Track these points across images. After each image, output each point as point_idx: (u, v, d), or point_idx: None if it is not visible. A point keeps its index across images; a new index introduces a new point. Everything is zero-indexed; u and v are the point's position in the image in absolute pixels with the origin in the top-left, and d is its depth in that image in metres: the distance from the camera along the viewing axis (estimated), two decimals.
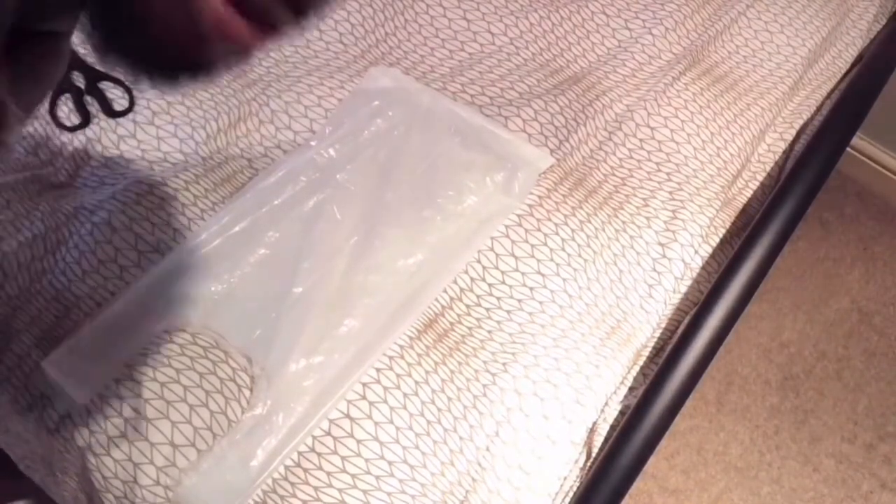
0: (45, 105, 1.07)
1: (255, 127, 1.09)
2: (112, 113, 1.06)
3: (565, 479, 0.91)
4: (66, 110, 1.08)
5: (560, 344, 0.96)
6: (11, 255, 0.95)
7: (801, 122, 1.21)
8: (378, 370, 0.91)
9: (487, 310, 0.98)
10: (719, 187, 1.12)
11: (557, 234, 1.03)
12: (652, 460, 0.85)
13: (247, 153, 1.07)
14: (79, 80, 1.10)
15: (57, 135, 1.06)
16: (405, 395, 0.90)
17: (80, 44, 1.20)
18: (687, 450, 1.60)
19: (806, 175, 1.03)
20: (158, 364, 0.89)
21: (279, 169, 1.04)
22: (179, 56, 0.46)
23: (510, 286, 1.00)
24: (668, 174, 1.12)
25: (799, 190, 1.02)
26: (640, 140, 1.14)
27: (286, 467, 0.86)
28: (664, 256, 1.04)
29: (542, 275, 1.00)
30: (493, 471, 0.89)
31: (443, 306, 0.98)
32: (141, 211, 0.98)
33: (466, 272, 1.00)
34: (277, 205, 1.02)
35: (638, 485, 0.86)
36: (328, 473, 0.86)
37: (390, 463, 0.87)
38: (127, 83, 1.09)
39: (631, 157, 1.13)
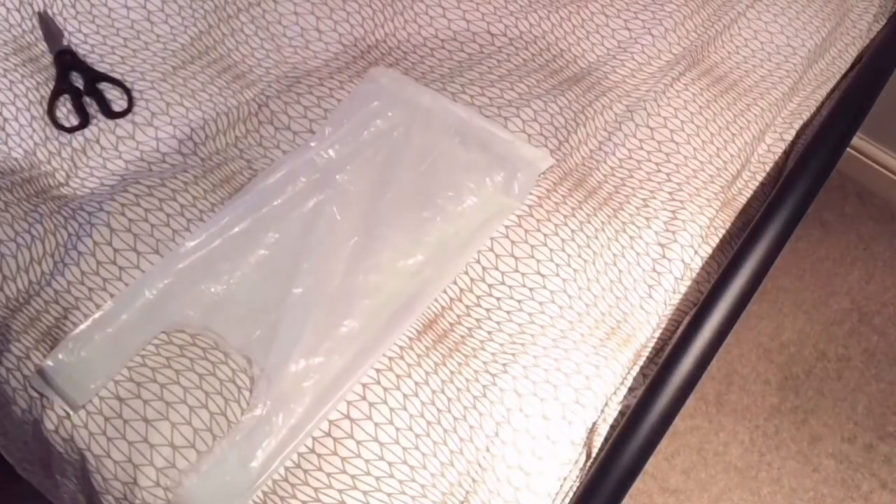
0: (45, 106, 1.07)
1: (254, 127, 1.09)
2: (111, 114, 1.06)
3: (565, 479, 0.91)
4: (65, 111, 1.09)
5: (560, 344, 0.96)
6: (10, 257, 0.94)
7: (801, 122, 1.21)
8: (378, 371, 0.91)
9: (487, 310, 0.98)
10: (719, 187, 1.11)
11: (557, 234, 1.03)
12: (652, 460, 0.85)
13: (246, 154, 1.07)
14: (77, 81, 1.10)
15: (55, 136, 1.05)
16: (405, 395, 0.90)
17: (79, 43, 1.21)
18: (687, 450, 1.60)
19: (806, 175, 1.03)
20: (158, 365, 0.89)
21: (279, 170, 1.04)
22: None
23: (510, 287, 0.99)
24: (667, 174, 1.12)
25: (799, 190, 1.02)
26: (640, 140, 1.14)
27: (286, 468, 0.86)
28: (664, 257, 1.04)
29: (542, 275, 1.00)
30: (492, 471, 0.89)
31: (442, 307, 0.98)
32: (140, 213, 0.98)
33: (466, 273, 1.00)
34: (277, 206, 1.02)
35: (638, 485, 0.86)
36: (328, 474, 0.86)
37: (390, 464, 0.87)
38: (126, 84, 1.09)
39: (631, 158, 1.13)
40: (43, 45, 1.13)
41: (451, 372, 0.93)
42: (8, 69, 1.08)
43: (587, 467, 0.93)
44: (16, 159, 1.04)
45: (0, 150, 1.04)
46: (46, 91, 1.08)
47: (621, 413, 0.95)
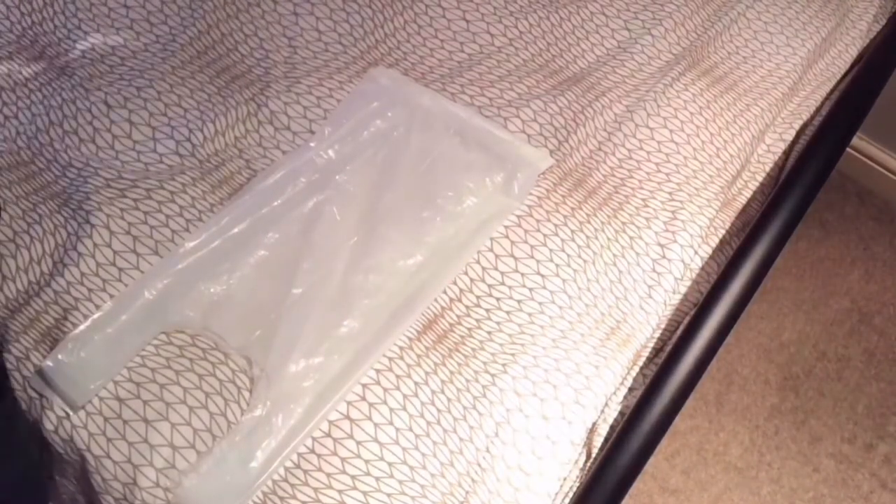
0: (46, 104, 1.07)
1: (254, 128, 1.09)
2: None
3: (565, 479, 0.91)
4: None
5: (559, 345, 0.96)
6: (10, 258, 0.94)
7: (800, 122, 1.21)
8: (378, 371, 0.91)
9: (487, 311, 0.98)
10: (719, 188, 1.11)
11: (557, 234, 1.03)
12: (652, 460, 0.85)
13: (245, 154, 1.07)
14: None
15: (55, 138, 1.05)
16: (405, 396, 0.90)
17: (85, 49, 1.19)
18: (687, 450, 1.60)
19: (806, 175, 1.03)
20: (158, 366, 0.89)
21: (278, 170, 1.04)
22: None
23: (510, 287, 0.99)
24: (667, 175, 1.12)
25: (799, 190, 1.02)
26: (640, 141, 1.14)
27: (286, 469, 0.86)
28: (664, 257, 1.04)
29: (542, 275, 1.00)
30: (492, 471, 0.89)
31: (442, 307, 0.98)
32: (139, 215, 0.98)
33: (466, 273, 1.00)
34: (277, 206, 1.02)
35: (638, 485, 0.86)
36: (328, 475, 0.86)
37: (390, 464, 0.87)
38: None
39: (630, 158, 1.13)
40: (45, 40, 1.13)
41: (451, 372, 0.93)
42: (12, 70, 1.08)
43: (587, 467, 0.93)
44: (17, 161, 1.04)
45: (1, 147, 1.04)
46: (49, 91, 1.08)
47: (621, 413, 0.95)
